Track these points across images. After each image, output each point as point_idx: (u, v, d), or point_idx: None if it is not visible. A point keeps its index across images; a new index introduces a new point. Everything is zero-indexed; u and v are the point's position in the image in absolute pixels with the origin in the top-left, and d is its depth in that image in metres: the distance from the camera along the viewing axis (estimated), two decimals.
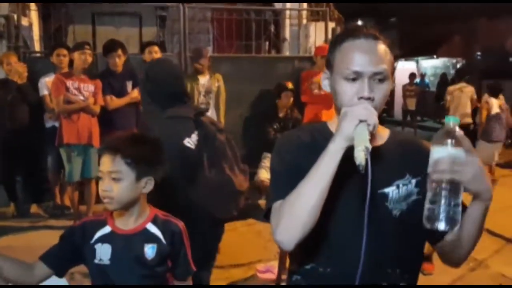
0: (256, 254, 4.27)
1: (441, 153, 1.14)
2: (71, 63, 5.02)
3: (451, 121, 1.16)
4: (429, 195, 1.17)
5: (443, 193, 1.14)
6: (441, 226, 1.14)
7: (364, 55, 1.26)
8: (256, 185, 4.91)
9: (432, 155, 1.17)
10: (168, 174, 1.77)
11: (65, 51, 5.18)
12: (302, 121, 5.55)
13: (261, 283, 3.89)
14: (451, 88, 8.39)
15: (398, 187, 1.34)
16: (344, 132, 1.18)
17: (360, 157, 1.13)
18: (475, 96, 8.06)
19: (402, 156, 1.38)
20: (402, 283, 1.35)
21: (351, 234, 1.24)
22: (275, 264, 3.83)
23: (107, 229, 1.71)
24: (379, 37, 1.29)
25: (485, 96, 7.01)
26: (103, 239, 1.70)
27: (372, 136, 1.22)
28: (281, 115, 5.43)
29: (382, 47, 1.29)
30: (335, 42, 1.34)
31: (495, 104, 6.74)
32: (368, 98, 1.24)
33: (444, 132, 1.16)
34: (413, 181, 1.36)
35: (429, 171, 1.17)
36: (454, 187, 1.14)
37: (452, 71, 15.91)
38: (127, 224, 1.71)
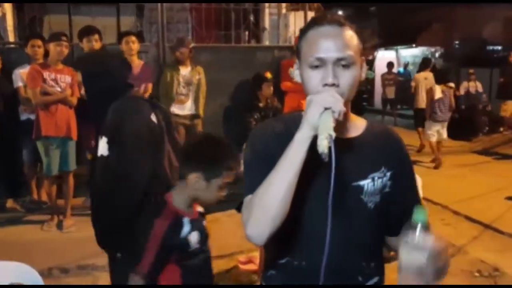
0: (237, 245, 4.25)
1: (408, 260, 1.11)
2: (46, 54, 4.90)
3: (420, 222, 1.11)
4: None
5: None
6: None
7: (327, 41, 1.23)
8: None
9: (401, 256, 1.13)
10: (140, 145, 1.97)
11: (40, 42, 5.06)
12: (282, 110, 5.54)
13: (243, 274, 3.88)
14: (417, 75, 9.38)
15: (373, 180, 1.33)
16: (310, 120, 1.15)
17: (323, 145, 1.11)
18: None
19: (378, 149, 1.36)
20: (376, 276, 1.35)
21: (322, 226, 1.21)
22: (256, 255, 3.82)
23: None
24: (344, 23, 1.26)
25: (429, 83, 8.33)
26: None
27: (343, 125, 1.20)
28: (261, 104, 5.41)
29: (347, 33, 1.26)
30: (302, 31, 1.32)
31: (438, 90, 7.86)
32: (333, 85, 1.22)
33: (412, 233, 1.12)
34: (388, 174, 1.35)
35: (398, 274, 1.14)
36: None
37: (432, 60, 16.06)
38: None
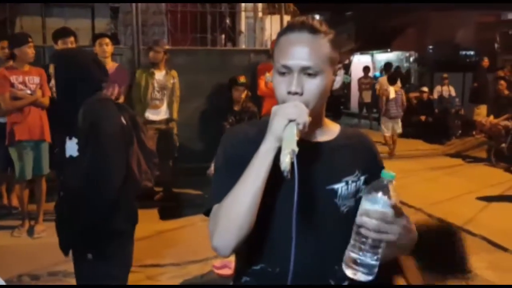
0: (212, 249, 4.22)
1: (371, 207, 1.11)
2: (12, 56, 4.79)
3: (386, 178, 1.12)
4: (352, 243, 1.15)
5: (366, 247, 1.12)
6: (361, 277, 1.13)
7: (294, 48, 1.22)
8: (210, 178, 4.86)
9: (362, 205, 1.13)
10: (114, 147, 2.05)
11: (6, 44, 4.95)
12: (258, 114, 5.53)
13: (218, 279, 3.85)
14: (380, 79, 10.55)
15: (347, 183, 1.32)
16: (274, 132, 1.14)
17: (285, 162, 1.09)
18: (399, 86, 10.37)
19: (352, 153, 1.36)
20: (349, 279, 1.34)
21: (287, 236, 1.19)
22: (232, 260, 3.78)
23: None
24: (318, 30, 1.24)
25: (385, 85, 9.42)
26: None
27: (317, 129, 1.20)
28: (236, 108, 5.39)
29: (318, 41, 1.24)
30: (278, 36, 1.31)
31: (392, 90, 9.03)
32: (296, 93, 1.21)
33: (378, 186, 1.13)
34: (362, 177, 1.35)
35: (357, 221, 1.13)
36: (378, 242, 1.13)
37: (406, 64, 16.31)
38: None
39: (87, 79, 2.24)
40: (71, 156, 2.17)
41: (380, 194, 1.11)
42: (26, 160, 4.64)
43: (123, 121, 2.23)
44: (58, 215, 2.30)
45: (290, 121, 1.13)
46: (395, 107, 8.97)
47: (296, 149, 1.10)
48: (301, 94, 1.21)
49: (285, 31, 1.27)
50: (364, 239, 1.13)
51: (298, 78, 1.21)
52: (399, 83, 9.53)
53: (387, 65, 11.64)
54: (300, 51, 1.21)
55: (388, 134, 8.97)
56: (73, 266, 2.31)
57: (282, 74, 1.23)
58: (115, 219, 2.18)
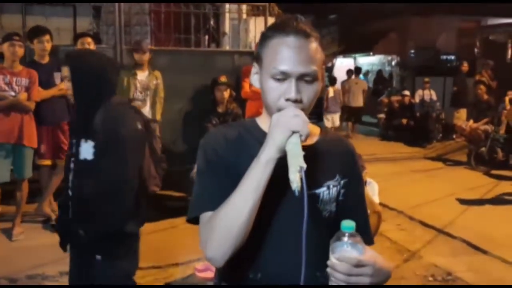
0: (196, 252, 4.17)
1: (340, 253, 1.12)
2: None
3: (347, 231, 1.12)
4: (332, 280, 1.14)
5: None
6: None
7: (293, 54, 1.19)
8: (193, 181, 4.81)
9: (332, 251, 1.13)
10: (132, 152, 2.11)
11: None
12: (242, 116, 5.50)
13: (200, 282, 3.83)
14: (349, 80, 12.63)
15: (328, 188, 1.31)
16: (276, 142, 1.12)
17: (296, 181, 1.08)
18: (366, 88, 12.67)
19: (332, 156, 1.35)
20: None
21: (285, 240, 1.20)
22: None
23: None
24: (310, 34, 1.22)
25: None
26: None
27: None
28: (220, 110, 5.35)
29: (312, 46, 1.22)
30: (265, 36, 1.27)
31: (331, 91, 11.08)
32: (296, 100, 1.19)
33: (341, 236, 1.13)
34: (342, 182, 1.34)
35: (328, 270, 1.13)
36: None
37: (388, 68, 16.48)
38: None
39: (105, 82, 2.24)
40: (85, 159, 2.16)
41: (344, 240, 1.12)
42: (1, 163, 4.53)
43: (139, 126, 2.24)
44: (63, 213, 2.29)
45: (293, 132, 1.11)
46: (334, 104, 10.88)
47: (304, 166, 1.09)
48: (301, 101, 1.20)
49: (276, 33, 1.23)
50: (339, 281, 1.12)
51: (297, 85, 1.19)
52: (337, 86, 11.85)
53: (357, 69, 13.32)
54: (299, 57, 1.19)
55: (329, 125, 10.88)
56: (71, 265, 2.32)
57: (278, 80, 1.21)
58: (127, 223, 2.22)
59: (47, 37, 4.80)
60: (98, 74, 2.22)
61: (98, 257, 2.18)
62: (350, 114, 12.32)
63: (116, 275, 2.22)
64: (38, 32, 4.84)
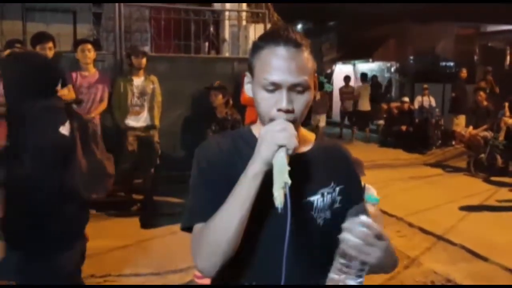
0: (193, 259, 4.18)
1: (355, 227, 1.12)
2: None
3: (371, 202, 1.14)
4: (336, 264, 1.15)
5: (350, 270, 1.14)
6: None
7: (283, 65, 1.19)
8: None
9: (346, 225, 1.14)
10: (44, 160, 2.04)
11: None
12: (242, 122, 5.51)
13: None
14: (357, 86, 13.64)
15: (323, 195, 1.31)
16: (263, 157, 1.13)
17: (280, 197, 1.09)
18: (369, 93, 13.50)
19: (327, 164, 1.35)
20: None
21: (276, 249, 1.19)
22: None
23: None
24: (301, 44, 1.21)
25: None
26: None
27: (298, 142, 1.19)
28: (219, 116, 5.36)
29: (303, 55, 1.21)
30: (256, 46, 1.26)
31: (318, 94, 11.05)
32: (287, 111, 1.19)
33: (362, 208, 1.14)
34: (337, 189, 1.34)
35: (341, 246, 1.13)
36: (361, 265, 1.14)
37: (387, 74, 16.50)
38: None
39: (37, 84, 2.23)
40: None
41: (364, 216, 1.12)
42: None
43: (64, 132, 2.20)
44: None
45: (280, 146, 1.12)
46: (321, 106, 11.44)
47: (289, 182, 1.09)
48: (293, 111, 1.20)
49: (266, 43, 1.22)
50: (347, 262, 1.13)
51: (288, 96, 1.19)
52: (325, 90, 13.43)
53: (364, 75, 13.91)
54: (289, 68, 1.19)
55: (314, 124, 11.64)
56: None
57: (269, 90, 1.21)
58: (52, 226, 2.17)
59: (49, 44, 4.82)
60: (23, 77, 2.21)
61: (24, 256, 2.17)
62: (358, 118, 13.08)
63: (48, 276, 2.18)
64: (41, 38, 4.85)
